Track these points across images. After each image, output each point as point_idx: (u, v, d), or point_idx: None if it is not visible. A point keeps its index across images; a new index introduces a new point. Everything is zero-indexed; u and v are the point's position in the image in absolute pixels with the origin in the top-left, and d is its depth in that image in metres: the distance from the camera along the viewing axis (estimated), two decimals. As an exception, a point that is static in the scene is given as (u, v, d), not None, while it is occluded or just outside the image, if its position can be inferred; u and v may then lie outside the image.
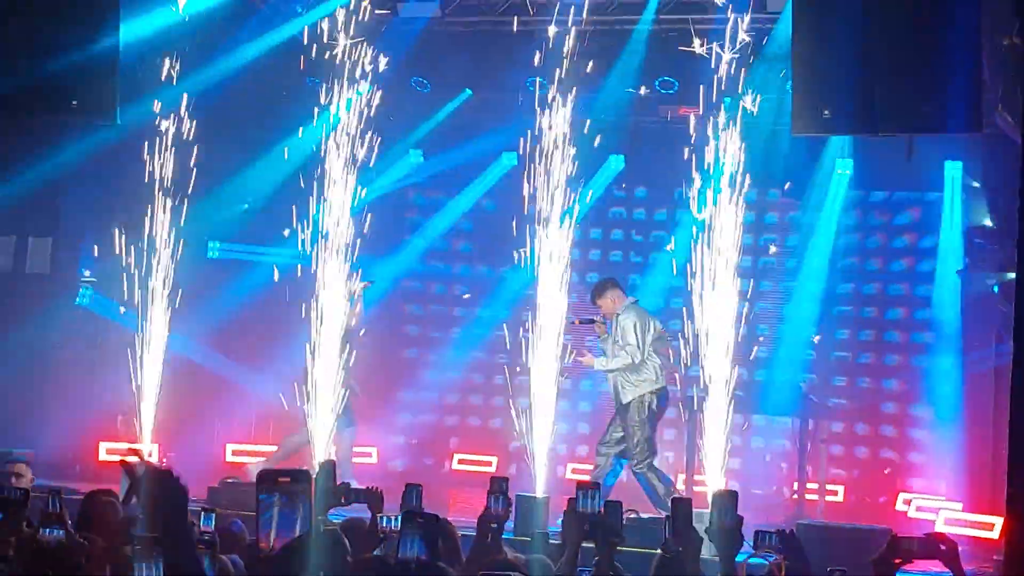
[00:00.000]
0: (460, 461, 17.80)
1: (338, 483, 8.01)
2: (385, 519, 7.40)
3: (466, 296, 18.65)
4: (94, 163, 15.39)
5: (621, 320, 13.49)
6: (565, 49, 15.36)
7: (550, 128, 14.25)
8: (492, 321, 17.45)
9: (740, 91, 16.02)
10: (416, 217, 18.59)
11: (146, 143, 14.24)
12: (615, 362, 13.43)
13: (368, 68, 15.78)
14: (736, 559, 6.31)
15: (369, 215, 17.62)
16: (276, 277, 15.84)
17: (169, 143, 14.93)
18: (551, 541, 7.96)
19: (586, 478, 16.03)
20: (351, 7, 16.11)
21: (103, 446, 15.24)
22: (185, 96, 15.30)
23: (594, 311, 13.98)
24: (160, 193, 15.38)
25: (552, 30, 14.69)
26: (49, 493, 7.38)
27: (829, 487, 15.64)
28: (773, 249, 17.28)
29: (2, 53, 11.42)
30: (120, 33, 11.77)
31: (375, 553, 7.10)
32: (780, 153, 15.95)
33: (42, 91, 11.49)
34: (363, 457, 16.78)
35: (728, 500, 6.20)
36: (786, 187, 17.02)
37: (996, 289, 14.97)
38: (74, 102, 11.56)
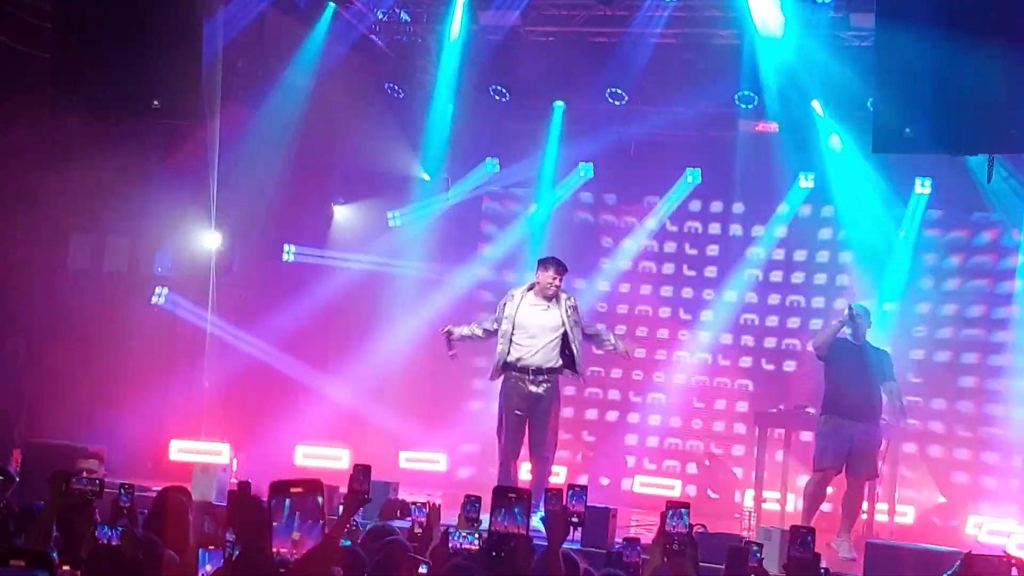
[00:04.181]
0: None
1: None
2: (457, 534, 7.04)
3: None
4: (173, 161, 15.47)
5: (574, 299, 12.69)
6: (644, 61, 15.38)
7: (628, 139, 14.24)
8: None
9: (820, 106, 16.00)
10: (490, 226, 18.52)
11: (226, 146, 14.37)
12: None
13: (447, 76, 15.88)
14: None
15: (444, 223, 17.74)
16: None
17: (246, 145, 15.08)
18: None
19: (672, 494, 15.97)
20: (431, 15, 16.26)
21: (174, 444, 15.31)
22: (263, 99, 15.47)
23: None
24: (236, 196, 15.52)
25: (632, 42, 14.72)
26: (120, 487, 7.43)
27: (899, 508, 15.48)
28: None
29: (86, 56, 11.49)
30: (203, 34, 11.82)
31: None
32: (861, 170, 15.91)
33: (125, 92, 11.54)
34: (432, 464, 16.81)
35: (805, 534, 6.12)
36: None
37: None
38: (156, 103, 11.60)
